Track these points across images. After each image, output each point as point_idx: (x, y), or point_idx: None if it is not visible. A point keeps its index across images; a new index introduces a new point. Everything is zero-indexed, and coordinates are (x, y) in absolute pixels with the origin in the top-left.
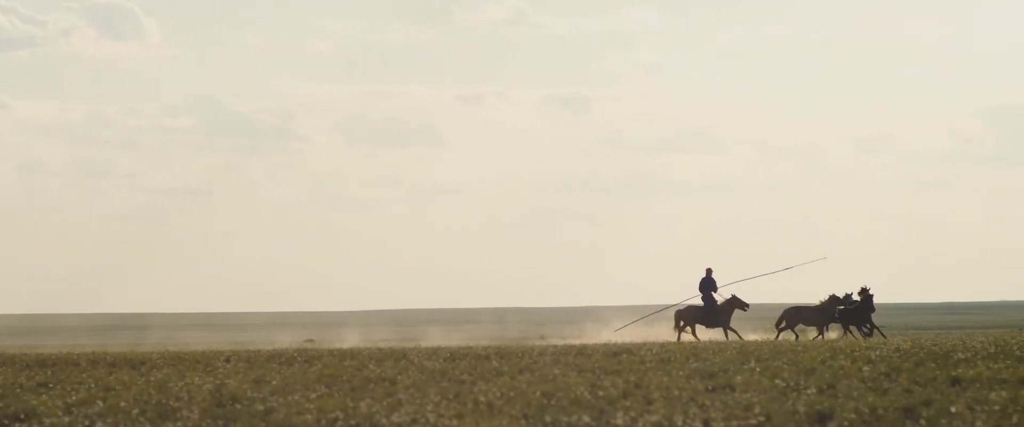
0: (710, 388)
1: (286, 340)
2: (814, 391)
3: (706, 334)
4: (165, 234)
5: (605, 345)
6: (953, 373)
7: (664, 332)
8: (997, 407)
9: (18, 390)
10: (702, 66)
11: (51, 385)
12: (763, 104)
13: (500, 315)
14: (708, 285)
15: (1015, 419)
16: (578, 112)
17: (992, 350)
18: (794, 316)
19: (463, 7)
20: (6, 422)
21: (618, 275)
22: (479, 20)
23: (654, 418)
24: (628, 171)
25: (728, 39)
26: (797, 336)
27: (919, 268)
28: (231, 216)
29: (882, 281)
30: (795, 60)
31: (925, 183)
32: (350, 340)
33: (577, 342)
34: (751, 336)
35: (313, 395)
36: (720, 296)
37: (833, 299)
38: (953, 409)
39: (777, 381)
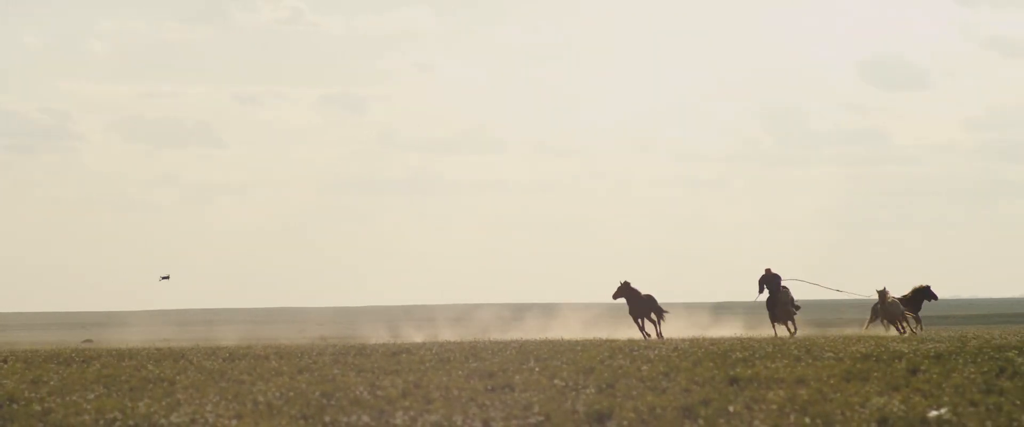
0: (490, 388)
1: (65, 340)
2: (593, 390)
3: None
4: None
5: (384, 345)
6: (731, 373)
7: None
8: (774, 406)
9: None
10: (478, 66)
11: None
12: (540, 104)
13: (279, 315)
14: (773, 281)
15: (792, 418)
16: (354, 112)
17: (769, 349)
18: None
19: (240, 7)
20: None
21: (396, 275)
22: (256, 20)
23: (434, 418)
24: (405, 170)
25: (504, 40)
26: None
27: (695, 266)
28: (6, 215)
29: (661, 279)
30: (573, 60)
31: (701, 183)
32: (129, 340)
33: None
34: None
35: (91, 395)
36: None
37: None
38: (731, 408)
39: (556, 380)
